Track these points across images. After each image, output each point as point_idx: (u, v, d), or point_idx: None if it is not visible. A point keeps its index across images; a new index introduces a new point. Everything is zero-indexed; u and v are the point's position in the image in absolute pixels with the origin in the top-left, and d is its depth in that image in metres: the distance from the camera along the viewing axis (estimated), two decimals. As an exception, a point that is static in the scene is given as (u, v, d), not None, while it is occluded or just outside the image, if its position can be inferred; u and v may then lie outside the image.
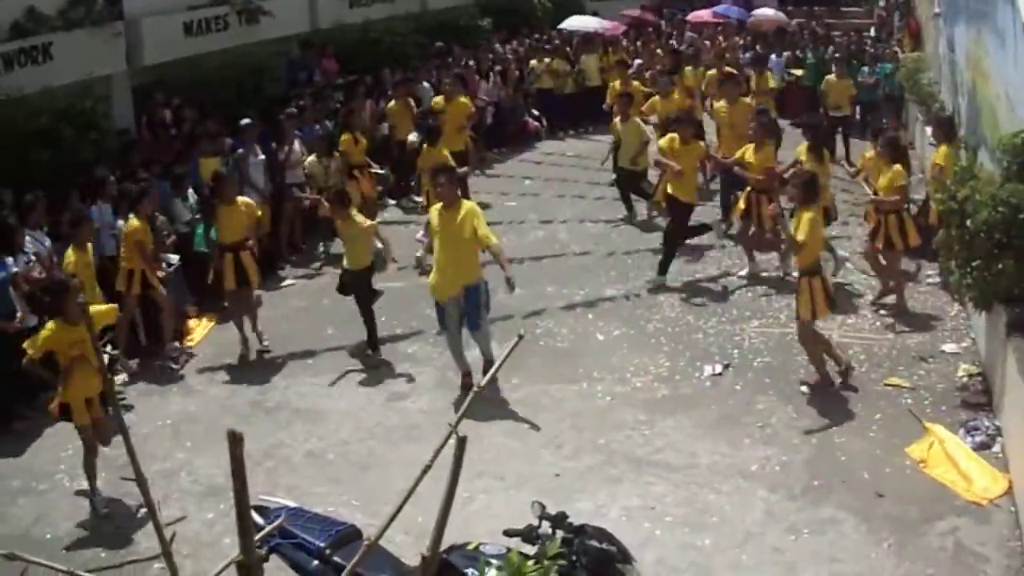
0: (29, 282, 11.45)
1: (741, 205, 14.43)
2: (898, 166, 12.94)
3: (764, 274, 14.60)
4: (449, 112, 18.04)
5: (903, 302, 13.02)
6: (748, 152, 14.35)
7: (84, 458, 9.65)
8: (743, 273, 14.62)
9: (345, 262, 12.49)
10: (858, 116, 22.24)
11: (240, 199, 13.08)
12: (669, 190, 14.51)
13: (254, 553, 2.52)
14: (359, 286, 12.37)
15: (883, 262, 13.24)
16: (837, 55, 23.60)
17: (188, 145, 16.01)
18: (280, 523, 6.49)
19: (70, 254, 11.45)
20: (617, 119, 17.32)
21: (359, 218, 12.42)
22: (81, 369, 9.35)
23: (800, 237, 10.77)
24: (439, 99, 18.87)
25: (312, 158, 16.04)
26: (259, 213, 13.58)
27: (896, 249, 12.99)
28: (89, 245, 11.80)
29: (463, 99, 18.59)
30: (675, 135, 14.38)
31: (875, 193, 13.21)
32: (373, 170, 17.24)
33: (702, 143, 15.68)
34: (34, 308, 11.24)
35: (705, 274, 14.81)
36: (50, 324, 9.55)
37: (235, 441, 2.53)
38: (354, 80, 20.96)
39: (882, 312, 12.97)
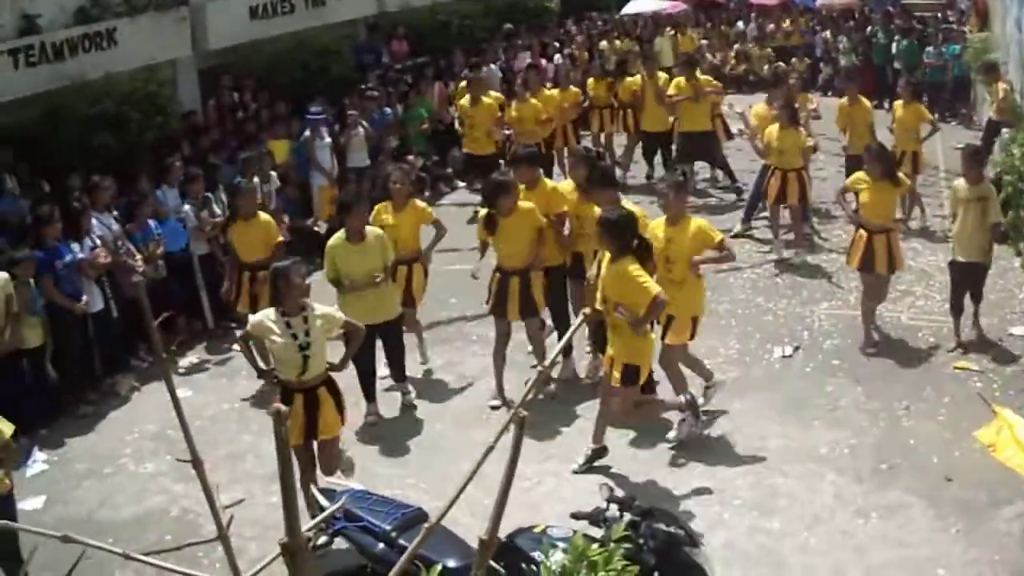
0: (95, 267, 11.45)
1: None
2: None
3: (834, 254, 14.28)
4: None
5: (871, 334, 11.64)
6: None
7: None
8: (773, 256, 14.41)
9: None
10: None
11: (262, 216, 11.89)
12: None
13: (300, 536, 2.42)
14: None
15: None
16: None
17: (258, 128, 16.05)
18: (343, 504, 6.43)
19: None
20: None
21: None
22: None
23: None
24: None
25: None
26: (279, 238, 11.88)
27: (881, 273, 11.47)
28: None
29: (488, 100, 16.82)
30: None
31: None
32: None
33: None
34: None
35: (776, 255, 14.48)
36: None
37: (279, 419, 2.43)
38: (423, 62, 20.92)
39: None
